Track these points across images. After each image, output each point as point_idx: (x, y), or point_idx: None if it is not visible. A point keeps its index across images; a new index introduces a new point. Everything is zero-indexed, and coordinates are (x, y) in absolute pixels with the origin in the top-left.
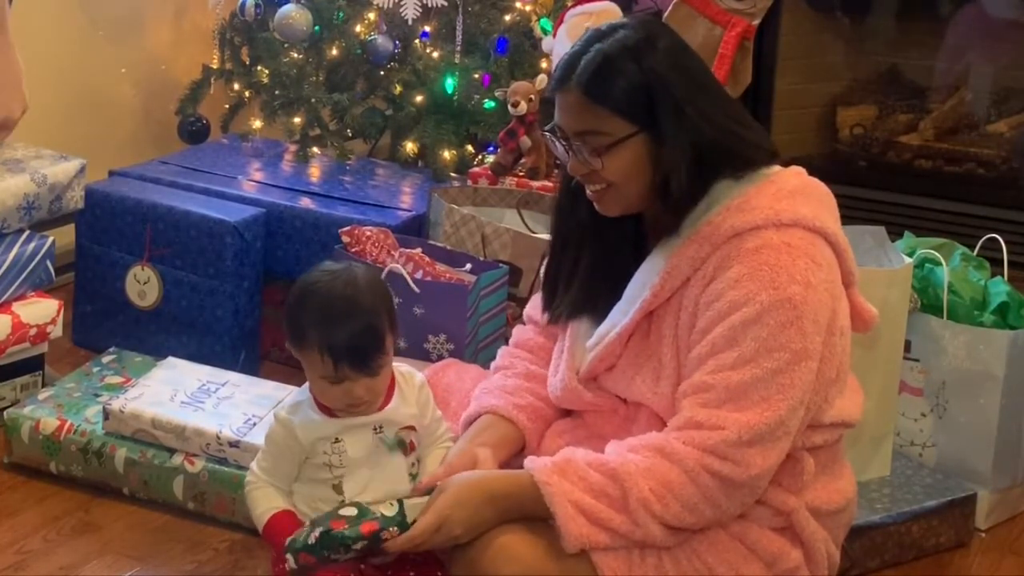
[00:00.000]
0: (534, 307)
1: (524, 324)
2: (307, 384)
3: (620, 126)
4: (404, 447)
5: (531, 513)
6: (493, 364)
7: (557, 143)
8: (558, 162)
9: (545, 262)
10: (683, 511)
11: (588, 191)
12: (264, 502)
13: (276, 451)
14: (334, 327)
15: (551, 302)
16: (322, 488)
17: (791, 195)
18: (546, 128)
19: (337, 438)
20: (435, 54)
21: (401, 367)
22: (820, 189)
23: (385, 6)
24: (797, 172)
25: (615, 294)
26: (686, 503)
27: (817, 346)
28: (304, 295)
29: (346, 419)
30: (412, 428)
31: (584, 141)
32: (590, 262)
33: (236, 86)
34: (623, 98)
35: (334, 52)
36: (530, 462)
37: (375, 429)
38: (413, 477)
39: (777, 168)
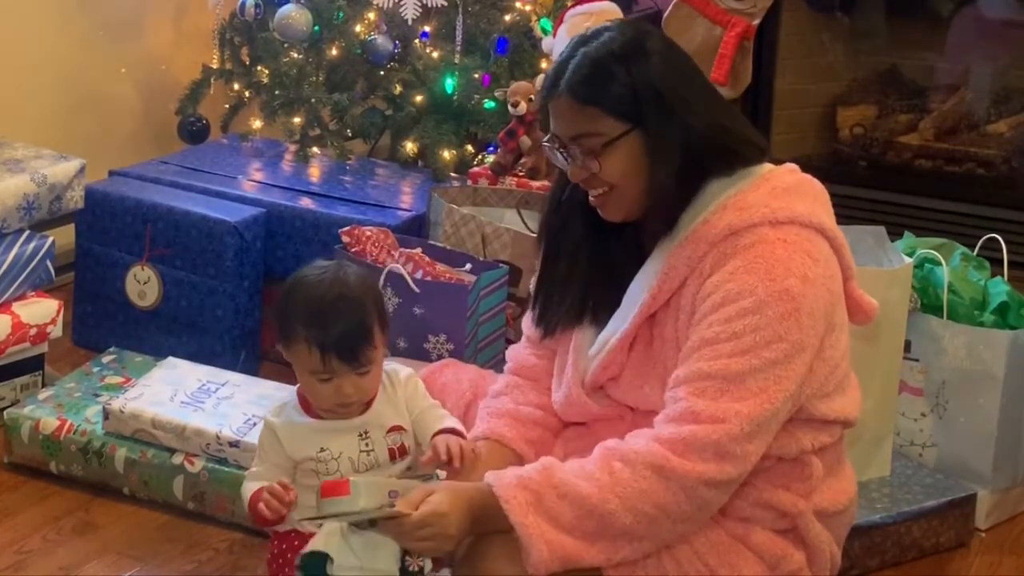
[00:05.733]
0: (530, 326)
1: (518, 344)
2: (298, 385)
3: (612, 125)
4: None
5: (500, 529)
6: (493, 388)
7: (556, 152)
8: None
9: (534, 278)
10: (673, 526)
11: (591, 197)
12: (249, 490)
13: (264, 455)
14: (321, 318)
15: (544, 315)
16: (308, 494)
17: (786, 192)
18: (544, 140)
19: (322, 447)
20: (435, 54)
21: (385, 365)
22: (815, 186)
23: (385, 6)
24: (791, 169)
25: (616, 302)
26: (678, 518)
27: (813, 340)
28: (292, 289)
29: (330, 421)
30: (400, 428)
31: (579, 144)
32: (588, 272)
33: (236, 86)
34: (612, 97)
35: (334, 52)
36: (500, 489)
37: (360, 435)
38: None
39: (770, 166)
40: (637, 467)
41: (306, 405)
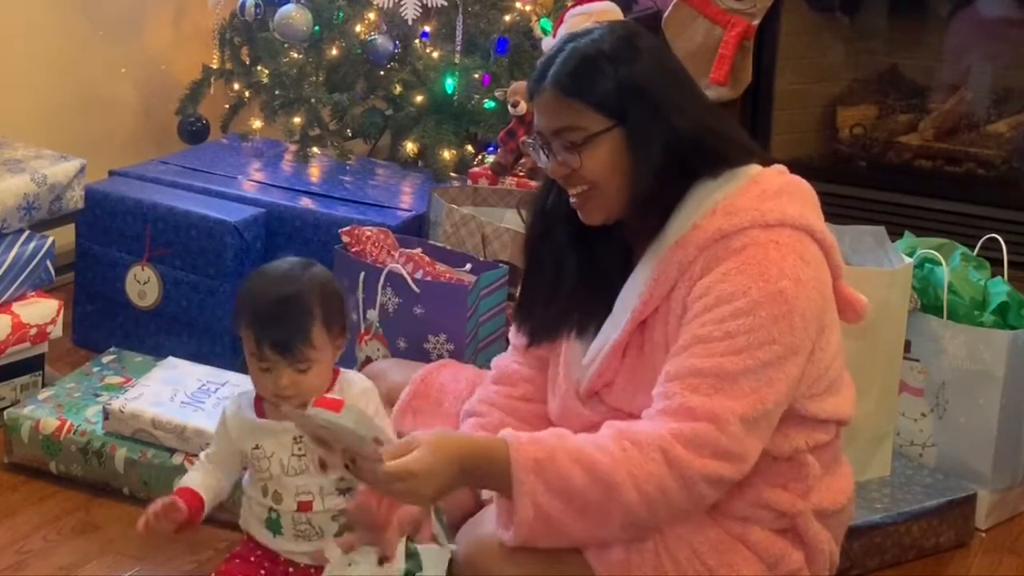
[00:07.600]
0: (515, 333)
1: (504, 353)
2: None
3: (595, 120)
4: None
5: (496, 486)
6: (466, 406)
7: (539, 151)
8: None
9: (519, 288)
10: (668, 513)
11: (571, 197)
12: (185, 478)
13: (217, 439)
14: (262, 302)
15: (528, 323)
16: (254, 488)
17: (776, 195)
18: (528, 138)
19: (257, 445)
20: (435, 54)
21: (348, 373)
22: (803, 187)
23: (385, 6)
24: (780, 171)
25: (602, 310)
26: (673, 507)
27: (805, 342)
28: (251, 278)
29: (270, 422)
30: None
31: (561, 138)
32: (574, 280)
33: (236, 86)
34: (597, 92)
35: (334, 52)
36: (513, 440)
37: (295, 439)
38: (342, 492)
39: (758, 168)
40: (645, 448)
41: (257, 400)
